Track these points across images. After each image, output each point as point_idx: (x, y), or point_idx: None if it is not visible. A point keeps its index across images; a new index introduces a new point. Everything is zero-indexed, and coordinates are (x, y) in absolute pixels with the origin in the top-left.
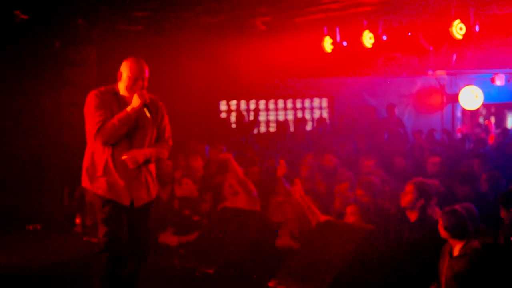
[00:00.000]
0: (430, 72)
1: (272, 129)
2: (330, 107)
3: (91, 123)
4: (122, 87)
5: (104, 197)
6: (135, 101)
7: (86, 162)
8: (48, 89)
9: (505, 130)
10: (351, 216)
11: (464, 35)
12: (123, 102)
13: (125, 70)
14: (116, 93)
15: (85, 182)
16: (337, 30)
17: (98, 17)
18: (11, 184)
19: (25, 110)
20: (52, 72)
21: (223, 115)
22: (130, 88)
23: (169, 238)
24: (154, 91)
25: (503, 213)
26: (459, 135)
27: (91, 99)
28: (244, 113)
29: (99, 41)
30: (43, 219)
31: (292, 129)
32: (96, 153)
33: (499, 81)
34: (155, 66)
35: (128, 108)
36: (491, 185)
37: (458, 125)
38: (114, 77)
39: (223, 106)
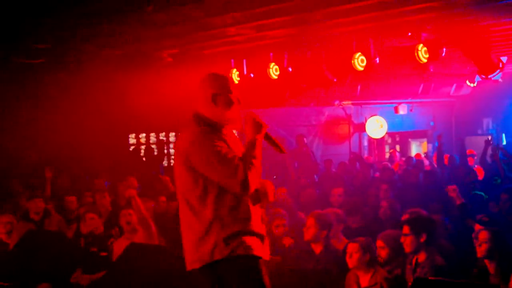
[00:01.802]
0: (336, 103)
1: None
2: (240, 138)
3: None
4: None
5: (258, 256)
6: (257, 126)
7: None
8: None
9: (409, 159)
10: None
11: (365, 67)
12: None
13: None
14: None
15: (222, 250)
16: (244, 62)
17: None
18: None
19: None
20: None
21: (132, 148)
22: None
23: (80, 278)
24: (61, 126)
25: (408, 239)
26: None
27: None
28: (154, 146)
29: None
30: None
31: None
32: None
33: (402, 111)
34: (59, 101)
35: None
36: (392, 212)
37: (365, 154)
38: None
39: (132, 139)
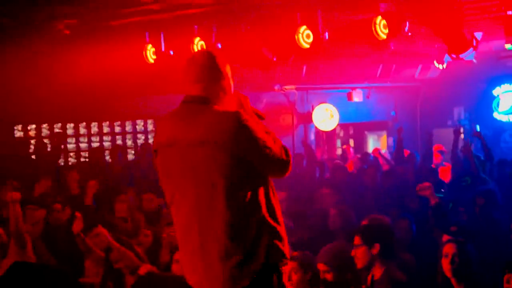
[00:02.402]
0: (277, 87)
1: (84, 159)
2: None
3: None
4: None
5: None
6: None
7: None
8: None
9: (365, 155)
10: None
11: (312, 44)
12: None
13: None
14: None
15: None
16: (162, 36)
17: None
18: None
19: None
20: None
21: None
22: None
23: None
24: None
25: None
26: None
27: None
28: (46, 140)
29: None
30: None
31: (109, 158)
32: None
33: (357, 98)
34: None
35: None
36: (344, 221)
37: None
38: None
39: (18, 131)
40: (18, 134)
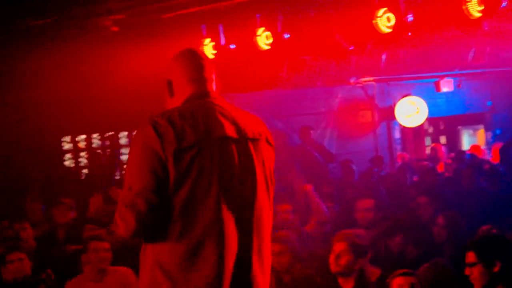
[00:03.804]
0: (353, 80)
1: None
2: None
3: None
4: None
5: None
6: None
7: None
8: None
9: (460, 154)
10: None
11: (393, 28)
12: None
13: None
14: None
15: None
16: (221, 28)
17: None
18: None
19: None
20: None
21: (68, 157)
22: None
23: None
24: None
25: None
26: (399, 163)
27: None
28: (99, 151)
29: None
30: None
31: None
32: None
33: (446, 88)
34: None
35: None
36: (451, 231)
37: (398, 150)
38: None
39: (67, 143)
40: (67, 146)
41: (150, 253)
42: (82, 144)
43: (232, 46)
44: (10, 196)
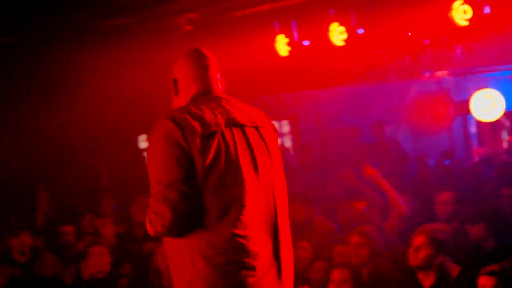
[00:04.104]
0: (427, 74)
1: None
2: (293, 132)
3: None
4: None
5: None
6: None
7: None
8: None
9: None
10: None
11: (470, 20)
12: None
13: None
14: None
15: None
16: (294, 25)
17: None
18: None
19: None
20: None
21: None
22: None
23: None
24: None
25: None
26: (477, 158)
27: None
28: None
29: None
30: None
31: None
32: None
33: None
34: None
35: None
36: None
37: (475, 145)
38: None
39: (143, 142)
40: (143, 145)
41: (186, 248)
42: None
43: (306, 43)
44: (88, 195)
